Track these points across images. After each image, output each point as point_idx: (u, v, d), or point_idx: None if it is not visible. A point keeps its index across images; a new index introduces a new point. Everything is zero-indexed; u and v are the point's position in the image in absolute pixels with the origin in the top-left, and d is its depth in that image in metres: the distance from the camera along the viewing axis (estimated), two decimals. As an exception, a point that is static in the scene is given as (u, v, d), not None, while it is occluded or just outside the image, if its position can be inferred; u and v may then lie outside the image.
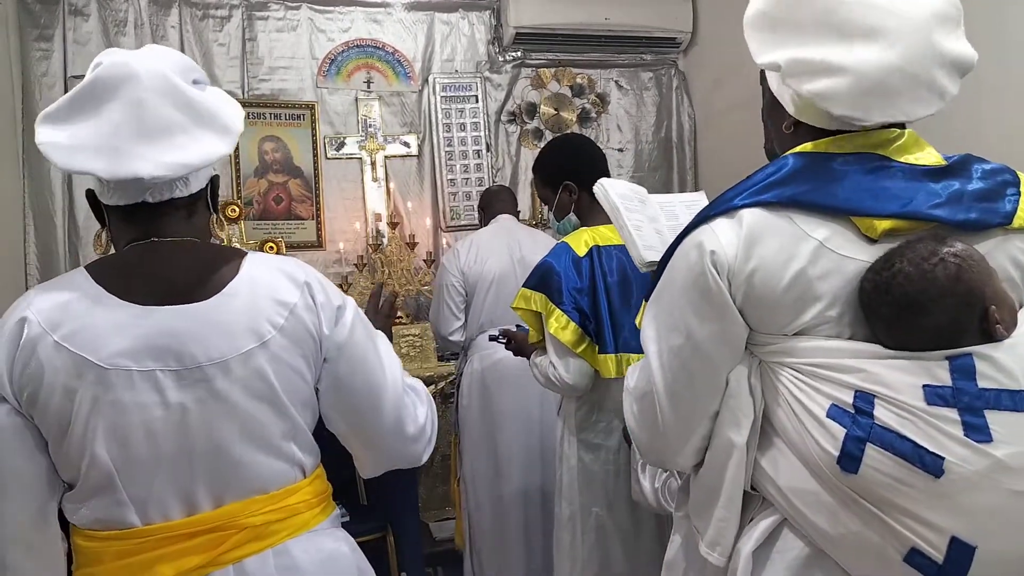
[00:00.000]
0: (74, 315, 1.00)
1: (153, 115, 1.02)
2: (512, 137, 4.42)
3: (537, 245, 2.98)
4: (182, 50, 3.83)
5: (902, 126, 1.02)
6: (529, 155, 4.44)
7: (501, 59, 4.39)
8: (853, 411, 0.91)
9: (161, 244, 1.07)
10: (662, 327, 1.06)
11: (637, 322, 1.22)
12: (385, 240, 4.04)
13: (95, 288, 1.02)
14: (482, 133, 4.32)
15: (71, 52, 3.66)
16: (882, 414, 0.89)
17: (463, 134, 4.30)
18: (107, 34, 3.74)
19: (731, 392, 1.02)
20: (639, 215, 1.45)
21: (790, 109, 1.07)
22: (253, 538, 1.05)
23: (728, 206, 1.00)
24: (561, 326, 1.95)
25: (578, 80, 4.49)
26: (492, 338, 2.66)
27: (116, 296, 1.02)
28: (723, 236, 0.99)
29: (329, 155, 4.11)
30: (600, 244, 2.02)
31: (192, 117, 1.05)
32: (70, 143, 1.00)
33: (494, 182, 4.29)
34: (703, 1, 4.37)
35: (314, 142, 4.07)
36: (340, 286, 3.94)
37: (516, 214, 3.20)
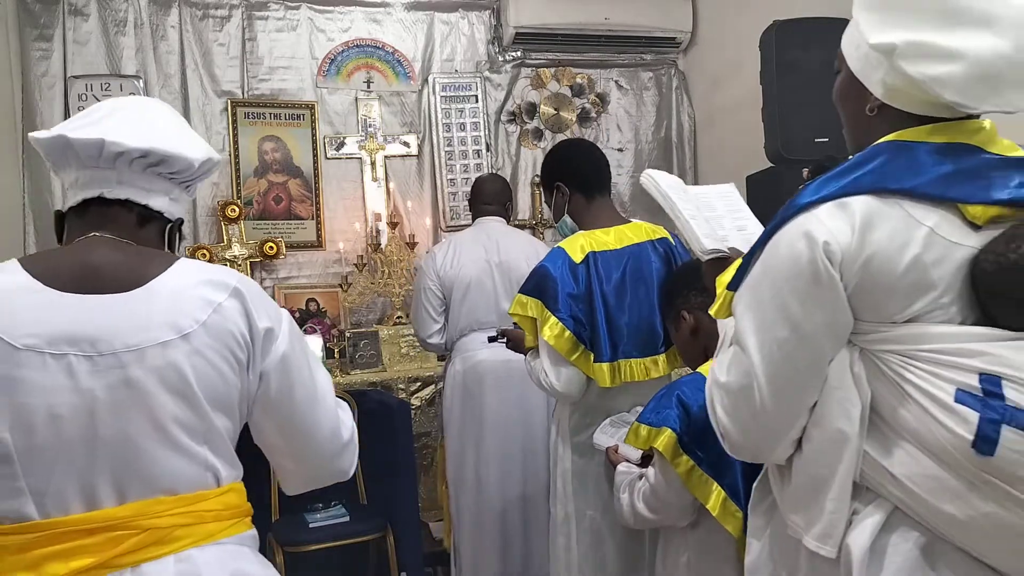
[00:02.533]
0: None
1: (145, 118, 1.14)
2: (512, 137, 4.43)
3: (519, 249, 2.92)
4: (182, 50, 3.86)
5: (977, 118, 1.06)
6: (529, 155, 4.44)
7: (501, 59, 4.39)
8: (981, 394, 0.92)
9: (99, 238, 1.08)
10: (764, 319, 1.04)
11: (713, 312, 1.20)
12: (385, 240, 4.04)
13: (22, 274, 1.02)
14: (482, 133, 4.32)
15: (71, 52, 3.65)
16: (1013, 395, 0.91)
17: (463, 134, 4.30)
18: (107, 34, 3.75)
19: (834, 383, 1.02)
20: (687, 204, 1.45)
21: (877, 91, 1.06)
22: (154, 541, 1.01)
23: (829, 194, 1.00)
24: (555, 334, 1.93)
25: (578, 80, 4.49)
26: (491, 339, 2.65)
27: (40, 282, 1.02)
28: (833, 224, 0.98)
29: (329, 155, 4.11)
30: (596, 250, 1.99)
31: (177, 128, 1.17)
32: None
33: (494, 182, 4.29)
34: (703, 1, 4.37)
35: (314, 142, 4.07)
36: (340, 286, 3.95)
37: (506, 211, 3.09)
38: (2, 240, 3.46)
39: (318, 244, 4.06)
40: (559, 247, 2.04)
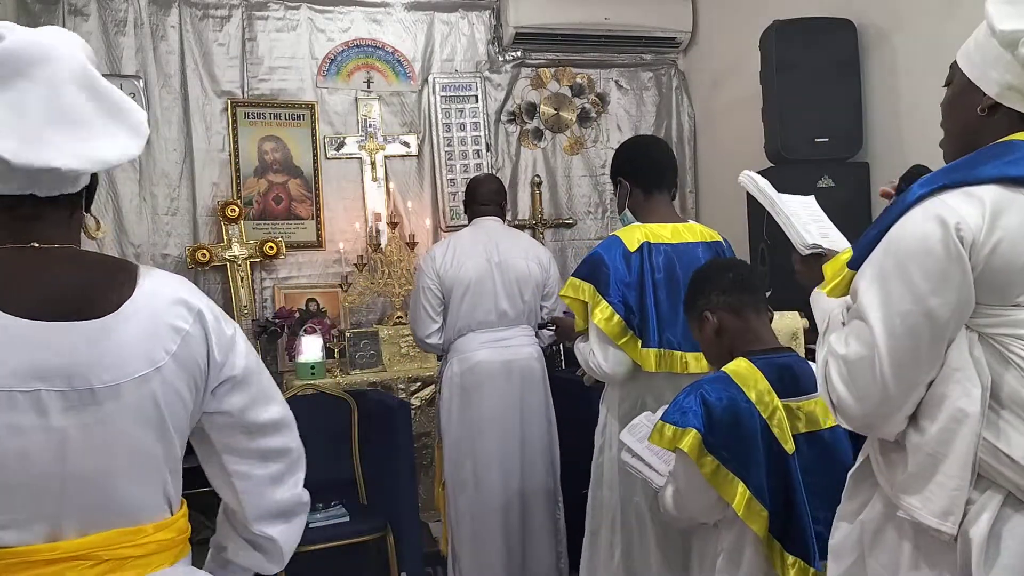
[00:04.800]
0: None
1: (68, 103, 0.96)
2: (512, 137, 4.42)
3: (518, 248, 2.92)
4: (182, 50, 3.85)
5: None
6: (529, 155, 4.44)
7: (501, 59, 4.39)
8: None
9: (44, 251, 0.98)
10: (890, 294, 1.09)
11: (826, 291, 1.24)
12: (385, 240, 4.04)
13: None
14: (482, 133, 4.32)
15: (71, 52, 3.65)
16: None
17: (463, 134, 4.30)
18: (107, 34, 3.75)
19: (955, 363, 1.06)
20: (786, 204, 1.53)
21: (992, 90, 1.10)
22: (112, 571, 0.98)
23: (959, 180, 1.05)
24: (606, 317, 2.00)
25: (578, 80, 4.49)
26: (541, 325, 2.64)
27: (1, 310, 0.92)
28: (963, 210, 1.03)
29: (329, 155, 4.11)
30: (652, 241, 2.06)
31: (105, 110, 0.99)
32: None
33: (494, 182, 4.29)
34: (703, 1, 4.37)
35: (314, 142, 4.07)
36: (340, 286, 3.95)
37: (502, 210, 3.08)
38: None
39: (318, 244, 4.06)
40: (615, 235, 2.11)
